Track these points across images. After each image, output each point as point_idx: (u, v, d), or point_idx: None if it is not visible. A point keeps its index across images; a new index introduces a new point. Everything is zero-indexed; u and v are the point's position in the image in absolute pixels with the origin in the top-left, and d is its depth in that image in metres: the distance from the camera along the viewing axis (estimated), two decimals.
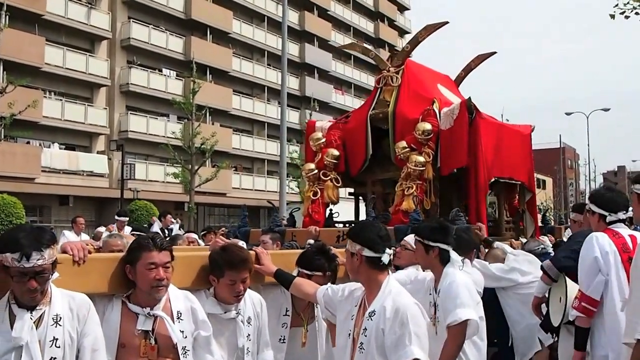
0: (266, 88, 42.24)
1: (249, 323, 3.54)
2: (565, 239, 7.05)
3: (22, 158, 27.66)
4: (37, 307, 2.63)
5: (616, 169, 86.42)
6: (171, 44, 36.14)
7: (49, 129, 29.60)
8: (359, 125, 7.81)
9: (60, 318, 2.66)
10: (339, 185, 7.80)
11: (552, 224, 10.67)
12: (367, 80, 52.95)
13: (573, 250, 4.50)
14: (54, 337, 2.62)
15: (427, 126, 6.99)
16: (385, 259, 3.34)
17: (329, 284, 3.83)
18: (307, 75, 45.84)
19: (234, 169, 38.23)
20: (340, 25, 50.90)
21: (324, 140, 7.88)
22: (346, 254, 3.45)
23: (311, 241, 6.35)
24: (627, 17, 12.88)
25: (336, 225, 7.75)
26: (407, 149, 7.06)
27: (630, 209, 4.06)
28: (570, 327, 4.40)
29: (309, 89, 44.11)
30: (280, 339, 3.94)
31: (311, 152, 8.09)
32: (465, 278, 4.01)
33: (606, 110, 52.68)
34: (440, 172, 7.13)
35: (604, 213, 4.12)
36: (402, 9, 60.18)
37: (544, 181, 61.73)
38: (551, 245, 6.80)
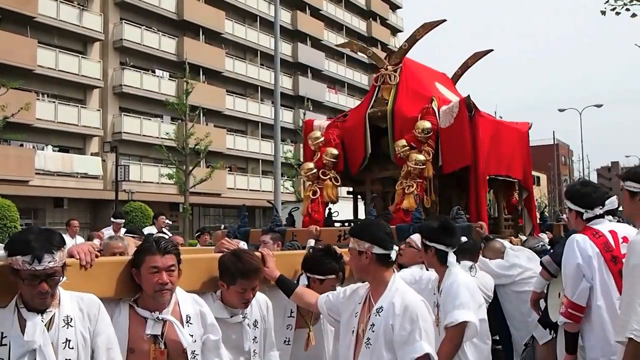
0: (259, 88, 42.22)
1: (255, 326, 3.52)
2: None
3: (15, 161, 27.57)
4: (47, 310, 2.60)
5: (610, 165, 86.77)
6: (164, 44, 36.07)
7: (42, 131, 29.50)
8: (357, 124, 7.79)
9: (71, 319, 2.63)
10: (338, 184, 7.78)
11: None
12: (360, 79, 53.01)
13: None
14: (66, 338, 2.60)
15: (427, 124, 6.98)
16: (394, 255, 3.36)
17: (330, 288, 3.84)
18: (300, 75, 45.84)
19: (228, 169, 38.19)
20: (333, 25, 50.91)
21: (322, 139, 7.85)
22: (351, 252, 3.41)
23: (312, 241, 6.33)
24: (617, 13, 12.97)
25: (335, 224, 7.74)
26: (407, 147, 7.04)
27: (608, 202, 3.98)
28: None
29: (302, 88, 44.09)
30: (285, 341, 3.92)
31: (310, 151, 8.05)
32: (467, 278, 4.00)
33: (599, 106, 52.82)
34: (441, 171, 7.13)
35: (580, 210, 4.01)
36: (394, 7, 60.23)
37: (538, 178, 61.95)
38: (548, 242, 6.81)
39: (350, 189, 8.53)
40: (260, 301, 3.61)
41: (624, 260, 3.35)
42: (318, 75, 47.85)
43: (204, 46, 38.05)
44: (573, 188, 4.22)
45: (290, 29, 45.12)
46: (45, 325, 2.58)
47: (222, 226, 10.58)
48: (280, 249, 5.93)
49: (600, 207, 3.96)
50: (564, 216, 6.01)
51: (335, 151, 7.71)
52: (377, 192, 7.82)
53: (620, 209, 4.07)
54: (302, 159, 9.05)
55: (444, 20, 7.90)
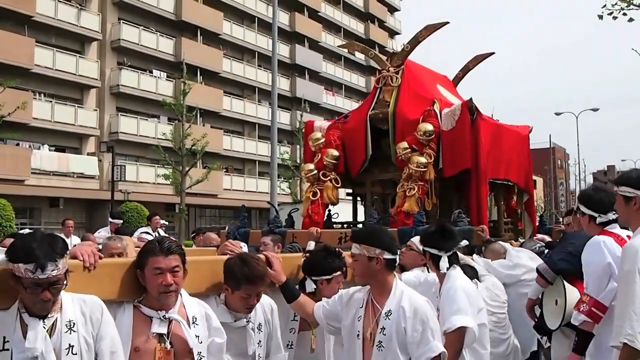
0: (257, 89, 42.19)
1: (259, 330, 3.47)
2: None
3: (11, 160, 27.49)
4: (49, 315, 2.54)
5: (606, 169, 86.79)
6: (161, 45, 36.03)
7: (38, 130, 29.41)
8: (358, 126, 7.74)
9: (74, 324, 2.58)
10: (338, 185, 7.72)
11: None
12: (358, 81, 53.06)
13: (568, 253, 4.49)
14: (69, 344, 2.54)
15: (429, 127, 6.94)
16: (398, 259, 3.49)
17: (337, 285, 3.85)
18: (297, 76, 45.84)
19: (225, 170, 38.14)
20: (331, 27, 50.93)
21: (323, 140, 7.79)
22: (358, 258, 3.42)
23: (312, 243, 6.29)
24: (614, 17, 13.02)
25: (334, 226, 7.70)
26: (409, 150, 7.00)
27: None
28: (566, 329, 4.37)
29: (299, 90, 44.10)
30: (288, 344, 3.88)
31: (310, 152, 7.99)
32: (466, 283, 3.99)
33: (595, 110, 53.05)
34: (442, 174, 7.08)
35: (593, 214, 4.05)
36: (392, 10, 60.33)
37: (534, 181, 61.91)
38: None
39: (350, 191, 8.49)
40: (265, 304, 3.56)
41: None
42: (315, 77, 47.85)
43: (201, 47, 38.01)
44: (587, 193, 4.26)
45: (288, 30, 45.12)
46: (47, 331, 2.52)
47: (226, 227, 10.43)
48: (280, 250, 5.88)
49: (613, 212, 3.97)
50: (562, 219, 5.98)
51: (335, 152, 7.65)
52: (377, 194, 7.78)
53: None
54: (300, 160, 9.00)
55: (447, 23, 7.86)
